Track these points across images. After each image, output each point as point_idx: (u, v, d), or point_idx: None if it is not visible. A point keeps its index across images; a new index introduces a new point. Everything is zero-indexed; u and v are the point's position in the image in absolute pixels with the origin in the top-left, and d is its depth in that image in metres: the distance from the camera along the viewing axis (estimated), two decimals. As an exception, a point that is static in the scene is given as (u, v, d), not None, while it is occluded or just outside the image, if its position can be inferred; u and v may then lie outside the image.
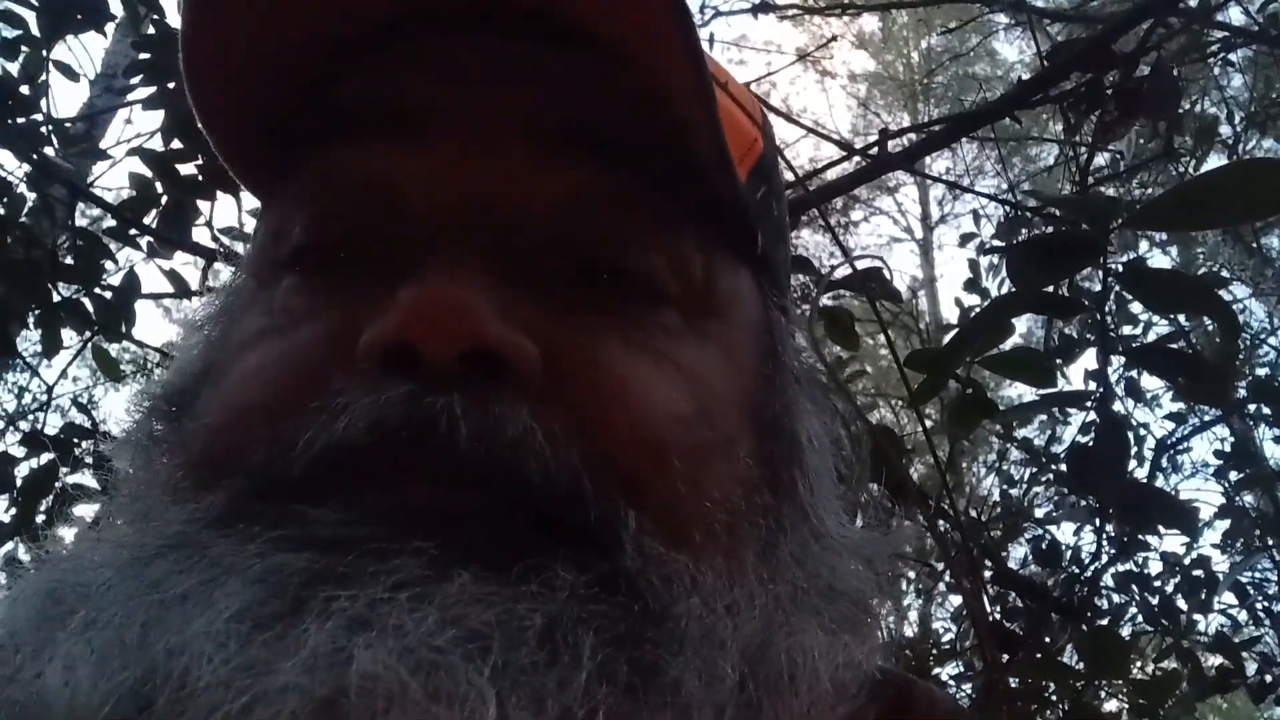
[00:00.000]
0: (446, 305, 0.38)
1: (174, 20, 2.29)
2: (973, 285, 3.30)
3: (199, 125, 0.49)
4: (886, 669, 0.51)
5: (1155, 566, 3.03)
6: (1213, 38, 2.90)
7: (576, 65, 0.44)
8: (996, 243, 2.71)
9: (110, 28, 2.47)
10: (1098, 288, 1.32)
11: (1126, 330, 3.27)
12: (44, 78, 2.34)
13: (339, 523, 0.35)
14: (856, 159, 2.07)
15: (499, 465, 0.37)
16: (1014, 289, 1.26)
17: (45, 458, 2.29)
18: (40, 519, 2.24)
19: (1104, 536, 2.08)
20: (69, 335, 2.49)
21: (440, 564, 0.34)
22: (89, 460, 2.27)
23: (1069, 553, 2.59)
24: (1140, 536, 2.24)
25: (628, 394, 0.41)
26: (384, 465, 0.37)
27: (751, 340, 0.49)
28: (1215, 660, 2.88)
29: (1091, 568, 2.34)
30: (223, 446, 0.40)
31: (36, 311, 2.39)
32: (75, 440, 2.32)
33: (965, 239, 3.79)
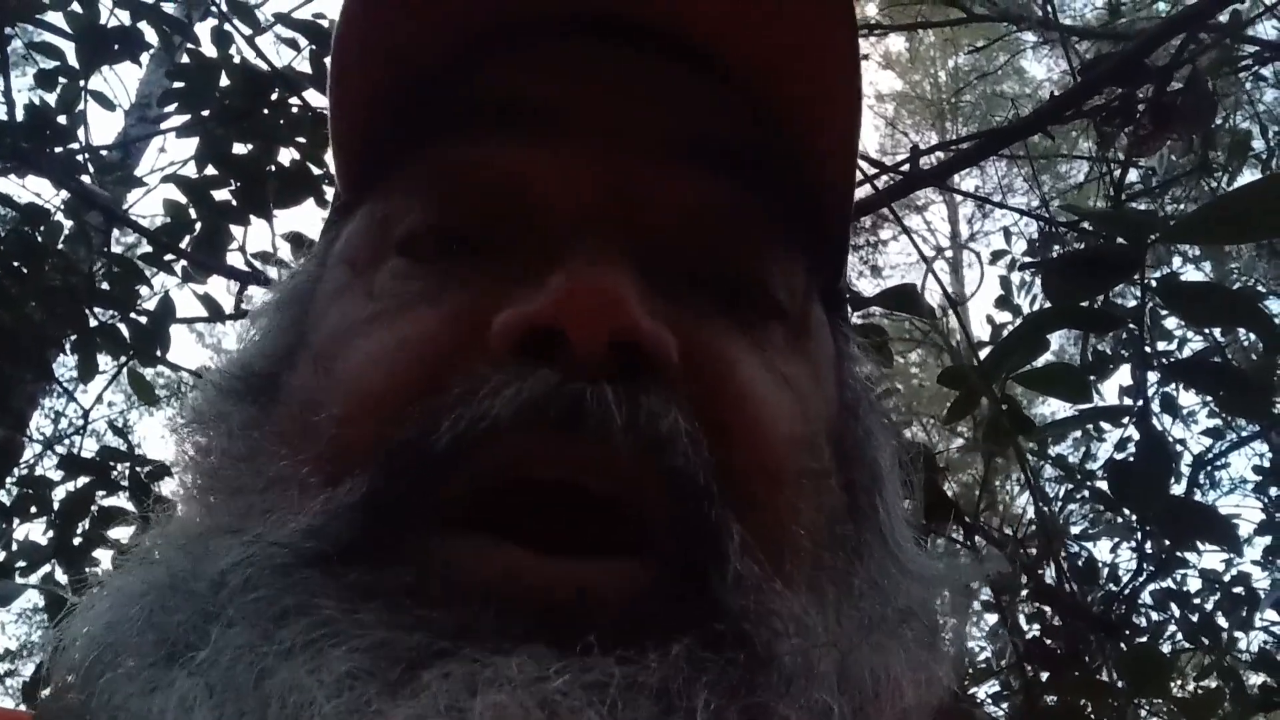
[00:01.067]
0: (601, 292, 0.38)
1: (208, 50, 2.32)
2: (1005, 303, 3.28)
3: (329, 107, 0.49)
4: (960, 706, 0.52)
5: (1195, 584, 2.98)
6: (1245, 52, 2.88)
7: (705, 84, 0.46)
8: (1029, 259, 2.69)
9: (145, 58, 2.50)
10: (1132, 304, 1.31)
11: (1161, 347, 3.24)
12: (81, 107, 2.37)
13: (454, 612, 0.35)
14: (886, 177, 2.07)
15: (649, 458, 0.37)
16: (1049, 304, 1.26)
17: (82, 481, 2.32)
18: (77, 541, 2.26)
19: (1142, 554, 2.05)
20: (105, 360, 2.52)
21: (559, 632, 0.34)
22: (125, 483, 2.29)
23: (1106, 570, 2.56)
24: (1179, 553, 2.21)
25: (755, 405, 0.42)
26: (534, 451, 0.37)
27: (830, 367, 0.50)
28: (1258, 679, 2.83)
29: (1130, 586, 2.31)
30: (350, 434, 0.40)
31: (73, 337, 2.42)
32: (111, 464, 2.34)
33: (996, 256, 3.77)
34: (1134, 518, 1.68)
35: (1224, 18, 2.26)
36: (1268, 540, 3.11)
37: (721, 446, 0.39)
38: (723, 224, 0.45)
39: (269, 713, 0.32)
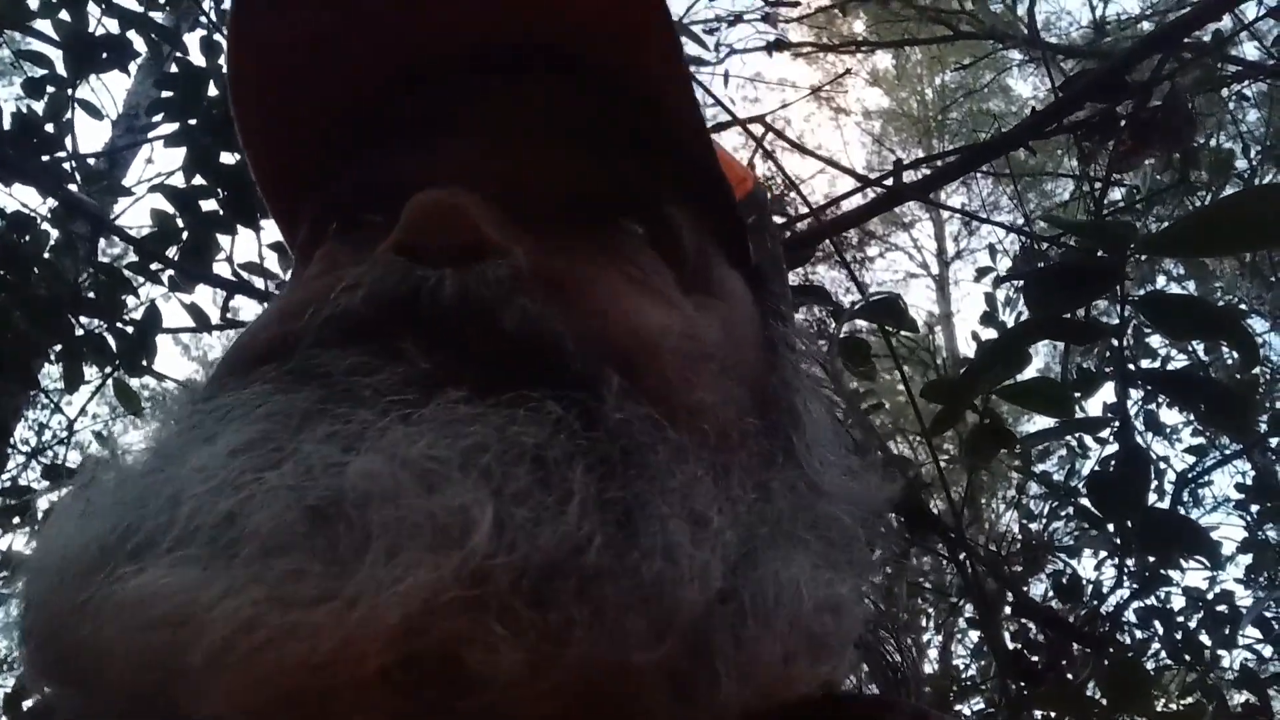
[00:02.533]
0: (446, 205, 0.41)
1: (196, 59, 2.32)
2: (990, 319, 3.29)
3: (241, 146, 0.54)
4: (903, 702, 0.51)
5: (1178, 602, 2.99)
6: (1226, 71, 2.90)
7: (578, 83, 0.49)
8: (1013, 274, 2.71)
9: (133, 67, 2.51)
10: (1115, 321, 1.32)
11: (1144, 364, 3.25)
12: (68, 116, 2.37)
13: (334, 359, 0.37)
14: (871, 192, 2.08)
15: (481, 314, 0.38)
16: (1031, 318, 1.26)
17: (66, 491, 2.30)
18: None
19: (1125, 571, 2.06)
20: (90, 370, 2.51)
21: (429, 388, 0.35)
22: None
23: (1090, 588, 2.57)
24: (1162, 570, 2.22)
25: (619, 301, 0.43)
26: (381, 324, 0.39)
27: (748, 329, 0.52)
28: (1241, 696, 2.84)
29: (1113, 602, 2.32)
30: (240, 354, 0.43)
31: (59, 346, 2.41)
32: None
33: (982, 273, 3.78)
34: (1115, 533, 1.69)
35: (1206, 37, 2.28)
36: (1250, 558, 3.12)
37: (588, 320, 0.41)
38: (596, 179, 0.48)
39: (146, 506, 0.33)
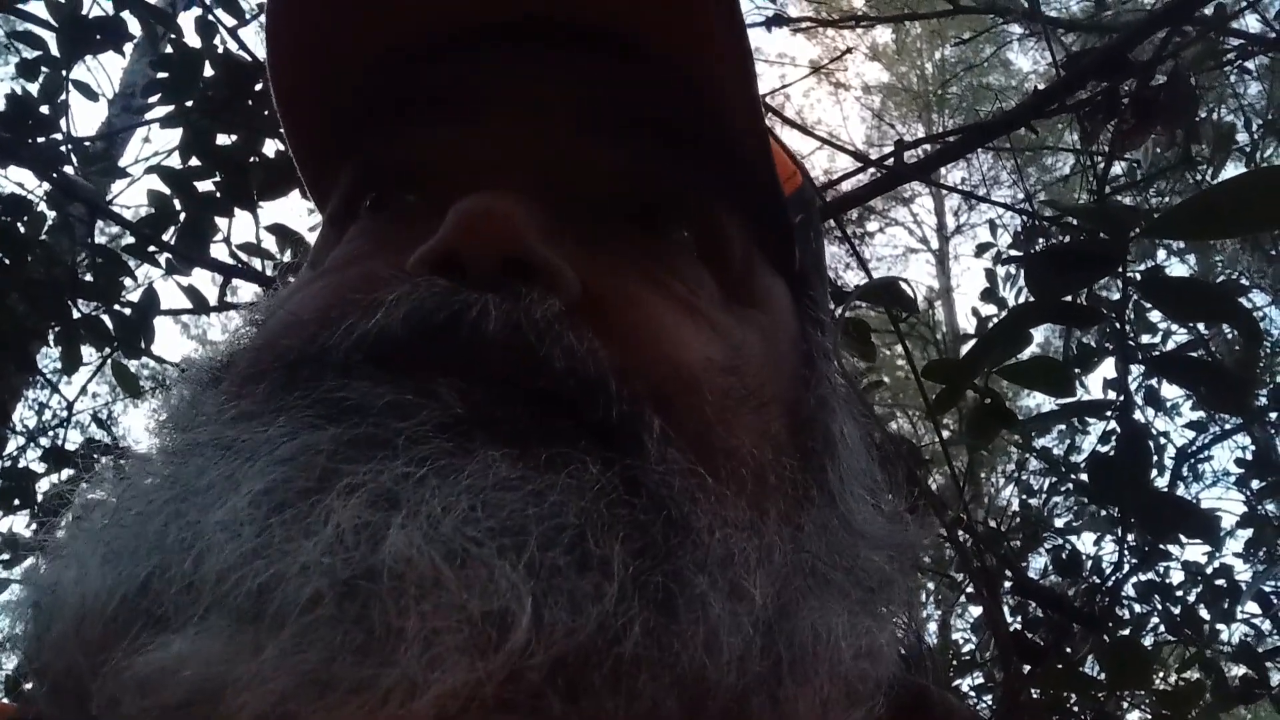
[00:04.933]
0: (490, 213, 0.39)
1: (192, 40, 2.31)
2: (990, 295, 3.29)
3: (278, 112, 0.52)
4: (902, 676, 0.51)
5: (1177, 576, 3.00)
6: (1229, 45, 2.89)
7: (629, 68, 0.47)
8: (1014, 253, 2.70)
9: (128, 48, 2.49)
10: (1116, 297, 1.32)
11: (1145, 340, 3.25)
12: (63, 97, 2.36)
13: (365, 395, 0.35)
14: (872, 170, 2.07)
15: (524, 351, 0.37)
16: (1032, 298, 1.26)
17: (66, 473, 2.30)
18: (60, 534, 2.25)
19: (1125, 546, 2.07)
20: (88, 352, 2.50)
21: (464, 435, 0.33)
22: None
23: (1090, 563, 2.57)
24: (1161, 546, 2.22)
25: (663, 330, 0.41)
26: (417, 354, 0.37)
27: (788, 343, 0.50)
28: (1239, 670, 2.85)
29: (1113, 578, 2.32)
30: (264, 355, 0.41)
31: (56, 329, 2.41)
32: (95, 456, 2.32)
33: (982, 249, 3.78)
34: (1116, 511, 1.69)
35: (1208, 10, 2.27)
36: (1249, 533, 3.13)
37: (630, 355, 0.39)
38: (645, 175, 0.46)
39: (169, 555, 0.31)
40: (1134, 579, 2.67)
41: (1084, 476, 2.65)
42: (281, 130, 0.53)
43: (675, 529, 0.35)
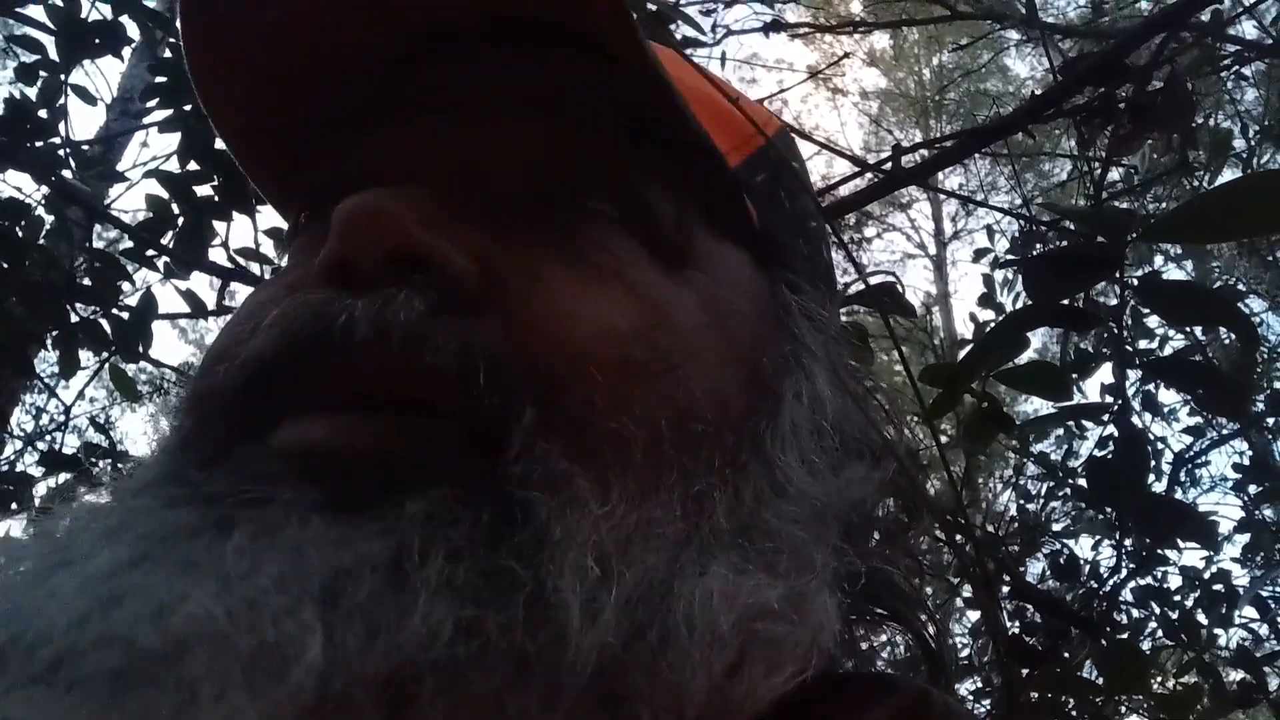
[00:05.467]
0: (371, 210, 0.39)
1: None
2: (988, 300, 3.29)
3: (219, 140, 0.54)
4: (901, 677, 0.50)
5: (1175, 581, 3.00)
6: (1226, 51, 2.89)
7: (546, 54, 0.48)
8: (1011, 257, 2.71)
9: (126, 52, 2.49)
10: (1113, 302, 1.32)
11: (1143, 345, 3.25)
12: (62, 101, 2.36)
13: (231, 475, 0.35)
14: (870, 175, 2.07)
15: (390, 356, 0.37)
16: (1030, 303, 1.26)
17: (63, 477, 2.30)
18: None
19: (1123, 551, 2.07)
20: (86, 356, 2.50)
21: (301, 508, 0.33)
22: (107, 480, 2.28)
23: (1087, 568, 2.57)
24: (1159, 551, 2.22)
25: (557, 302, 0.41)
26: (288, 373, 0.38)
27: (744, 302, 0.49)
28: (1237, 675, 2.85)
29: (1110, 582, 2.32)
30: (190, 395, 0.42)
31: (54, 333, 2.41)
32: (93, 460, 2.33)
33: (979, 254, 3.79)
34: (1114, 515, 1.69)
35: (1205, 16, 2.27)
36: (1247, 538, 3.13)
37: (513, 338, 0.39)
38: (557, 152, 0.46)
39: (19, 623, 0.31)
40: (1132, 584, 2.67)
41: (1081, 482, 2.65)
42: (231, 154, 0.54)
43: (509, 521, 0.35)
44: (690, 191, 0.49)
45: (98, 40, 2.28)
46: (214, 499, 0.34)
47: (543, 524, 0.35)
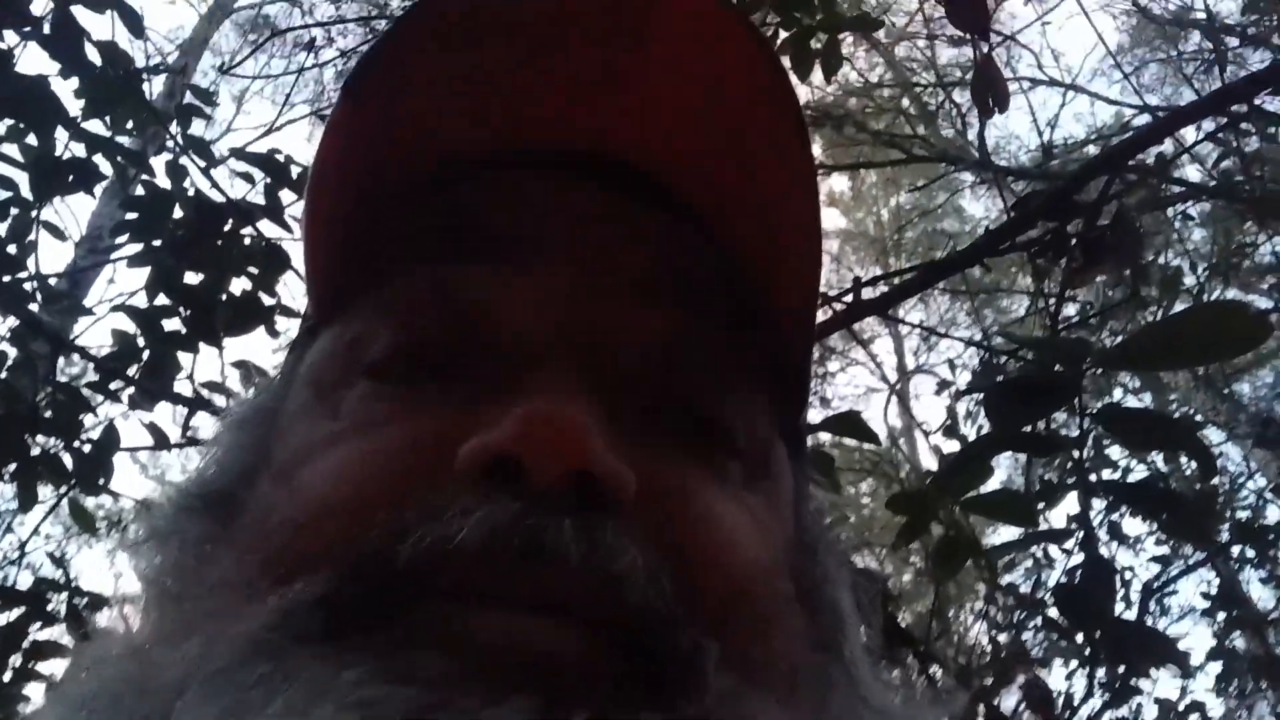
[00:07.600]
0: (560, 424, 0.38)
1: (162, 181, 2.34)
2: (951, 431, 3.32)
3: (303, 230, 0.51)
4: None
5: (1150, 712, 2.97)
6: (1171, 192, 3.01)
7: (670, 222, 0.47)
8: (972, 387, 2.75)
9: (99, 189, 2.52)
10: (1075, 433, 1.34)
11: (1106, 475, 3.28)
12: (32, 237, 2.38)
13: (445, 664, 0.34)
14: (831, 311, 2.11)
15: (605, 595, 0.37)
16: (992, 431, 1.28)
17: (16, 613, 2.24)
18: (8, 676, 2.18)
19: (1095, 681, 2.05)
20: (44, 491, 2.46)
21: (535, 688, 0.33)
22: (62, 615, 2.22)
23: (1061, 698, 2.54)
24: (1132, 680, 2.20)
25: (717, 532, 0.42)
26: (494, 576, 0.37)
27: (789, 508, 0.50)
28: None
29: (1086, 715, 2.29)
30: (309, 539, 0.39)
31: (13, 466, 2.37)
32: (48, 595, 2.27)
33: (942, 386, 3.84)
34: (1084, 642, 1.68)
35: (1151, 160, 2.37)
36: (1219, 666, 3.12)
37: (689, 573, 0.39)
38: (688, 358, 0.45)
39: None
40: (1107, 715, 2.63)
41: (1052, 612, 2.64)
42: (302, 227, 0.52)
43: None
44: (778, 397, 0.49)
45: (70, 178, 2.31)
46: (436, 684, 0.33)
47: None
